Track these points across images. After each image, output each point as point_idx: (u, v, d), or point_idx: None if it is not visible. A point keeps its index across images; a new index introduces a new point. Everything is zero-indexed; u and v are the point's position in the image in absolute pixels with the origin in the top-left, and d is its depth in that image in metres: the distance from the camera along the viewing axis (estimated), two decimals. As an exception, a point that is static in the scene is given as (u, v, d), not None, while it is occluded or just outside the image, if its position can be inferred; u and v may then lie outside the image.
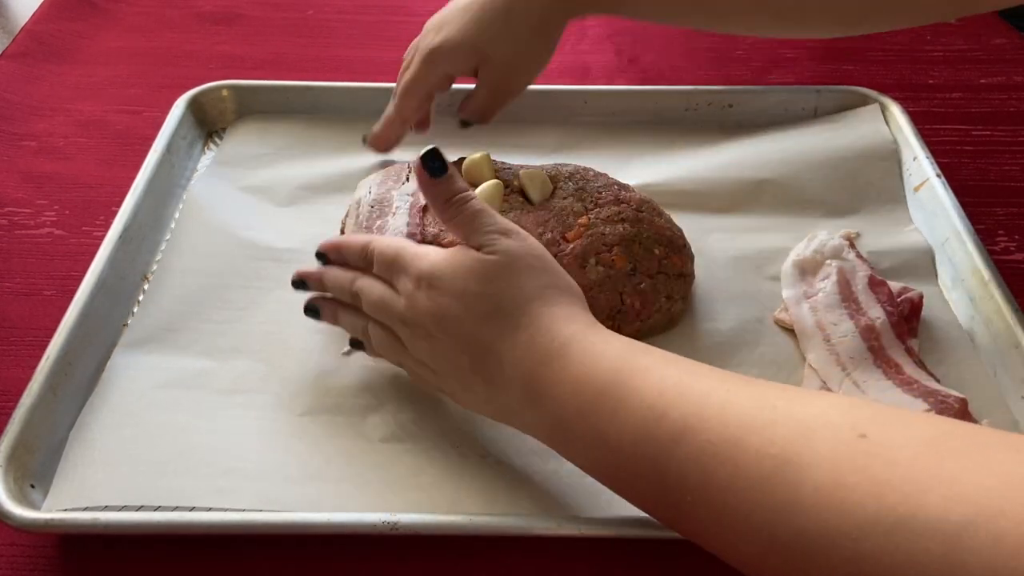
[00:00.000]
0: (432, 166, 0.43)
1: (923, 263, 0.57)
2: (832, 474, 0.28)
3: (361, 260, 0.45)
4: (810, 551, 0.27)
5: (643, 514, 0.42)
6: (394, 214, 0.51)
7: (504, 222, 0.42)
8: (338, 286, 0.46)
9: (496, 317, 0.39)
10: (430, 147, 0.43)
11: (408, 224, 0.50)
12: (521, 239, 0.41)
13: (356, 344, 0.47)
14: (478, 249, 0.41)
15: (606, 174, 0.56)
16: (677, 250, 0.52)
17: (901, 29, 0.80)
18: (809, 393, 0.33)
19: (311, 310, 0.47)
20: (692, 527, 0.33)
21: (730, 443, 0.31)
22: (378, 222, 0.51)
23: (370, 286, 0.44)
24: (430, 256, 0.41)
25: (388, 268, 0.43)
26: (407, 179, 0.54)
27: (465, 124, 0.60)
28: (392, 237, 0.47)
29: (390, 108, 0.60)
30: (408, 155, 0.63)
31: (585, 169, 0.55)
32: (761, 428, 0.30)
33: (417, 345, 0.42)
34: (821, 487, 0.28)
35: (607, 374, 0.36)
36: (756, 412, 0.31)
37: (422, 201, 0.51)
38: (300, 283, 0.48)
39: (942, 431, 0.28)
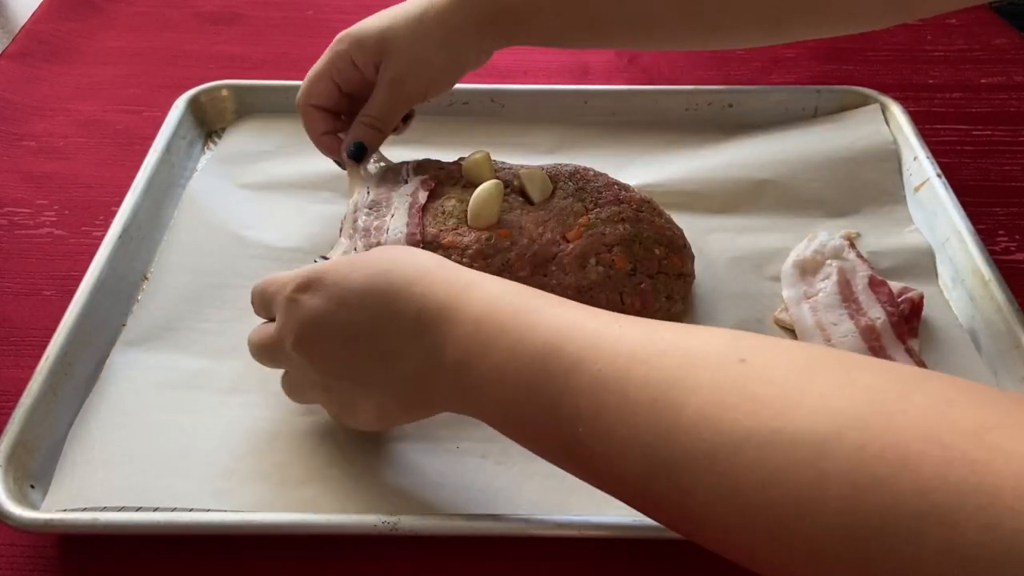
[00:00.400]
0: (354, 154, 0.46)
1: (923, 263, 0.57)
2: (712, 396, 0.29)
3: (262, 309, 0.44)
4: (692, 470, 0.28)
5: (642, 514, 0.42)
6: (392, 215, 0.51)
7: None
8: (251, 351, 0.45)
9: (391, 274, 0.39)
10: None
11: (407, 224, 0.50)
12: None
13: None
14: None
15: (606, 174, 0.56)
16: (677, 250, 0.52)
17: (885, 29, 0.80)
18: (699, 327, 0.33)
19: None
20: (584, 461, 0.33)
21: (620, 372, 0.31)
22: (376, 223, 0.51)
23: (251, 335, 0.44)
24: (300, 270, 0.41)
25: (262, 298, 0.43)
26: (406, 180, 0.54)
27: (356, 151, 0.55)
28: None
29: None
30: (408, 155, 0.63)
31: (585, 169, 0.55)
32: (649, 358, 0.31)
33: (301, 365, 0.41)
34: (701, 408, 0.29)
35: (503, 312, 0.35)
36: (646, 342, 0.32)
37: (421, 201, 0.51)
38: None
39: (816, 355, 0.29)
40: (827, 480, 0.25)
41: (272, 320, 0.43)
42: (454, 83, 0.55)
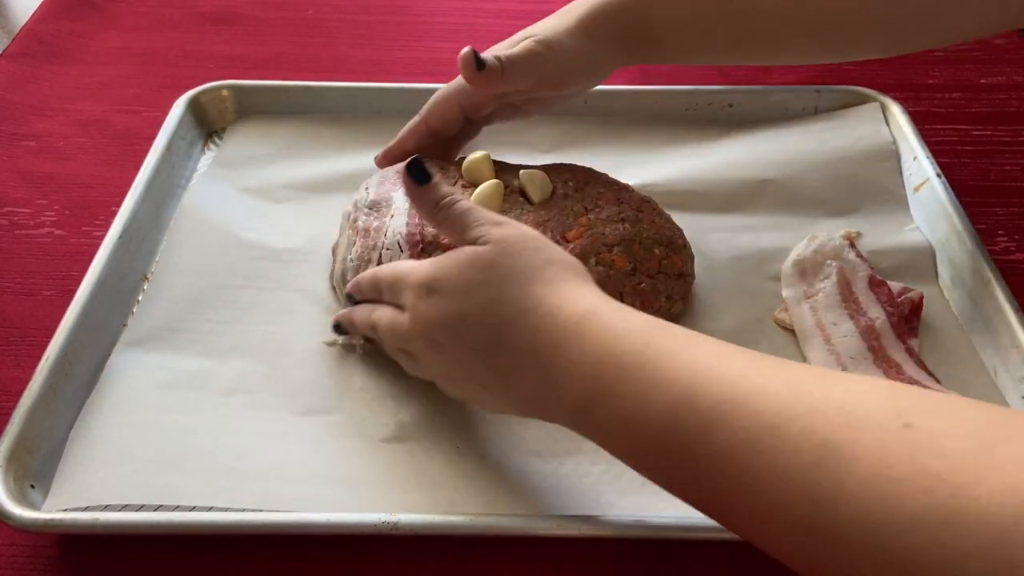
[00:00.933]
0: (417, 175, 0.43)
1: (924, 263, 0.57)
2: (877, 466, 0.26)
3: (374, 292, 0.46)
4: (854, 544, 0.26)
5: (642, 515, 0.42)
6: (392, 215, 0.51)
7: (493, 215, 0.42)
8: (362, 325, 0.46)
9: (500, 304, 0.38)
10: (413, 156, 0.44)
11: (407, 224, 0.50)
12: (513, 227, 0.41)
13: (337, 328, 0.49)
14: (472, 244, 0.41)
15: (606, 174, 0.56)
16: (677, 250, 0.52)
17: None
18: (845, 377, 0.31)
19: (339, 328, 0.49)
20: (726, 515, 0.32)
21: (767, 432, 0.29)
22: (376, 223, 0.51)
23: (380, 315, 0.44)
24: (424, 265, 0.42)
25: (391, 290, 0.44)
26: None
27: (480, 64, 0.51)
28: (393, 263, 0.47)
29: (416, 117, 0.58)
30: (408, 155, 0.63)
31: (585, 169, 0.55)
32: (798, 416, 0.29)
33: (431, 360, 0.42)
34: (866, 480, 0.26)
35: (629, 355, 0.34)
36: (793, 399, 0.30)
37: (422, 201, 0.51)
38: (339, 327, 0.49)
39: (990, 418, 0.27)
40: (1018, 569, 0.23)
41: (390, 304, 0.44)
42: (582, 78, 0.54)
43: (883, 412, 0.28)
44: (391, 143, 0.58)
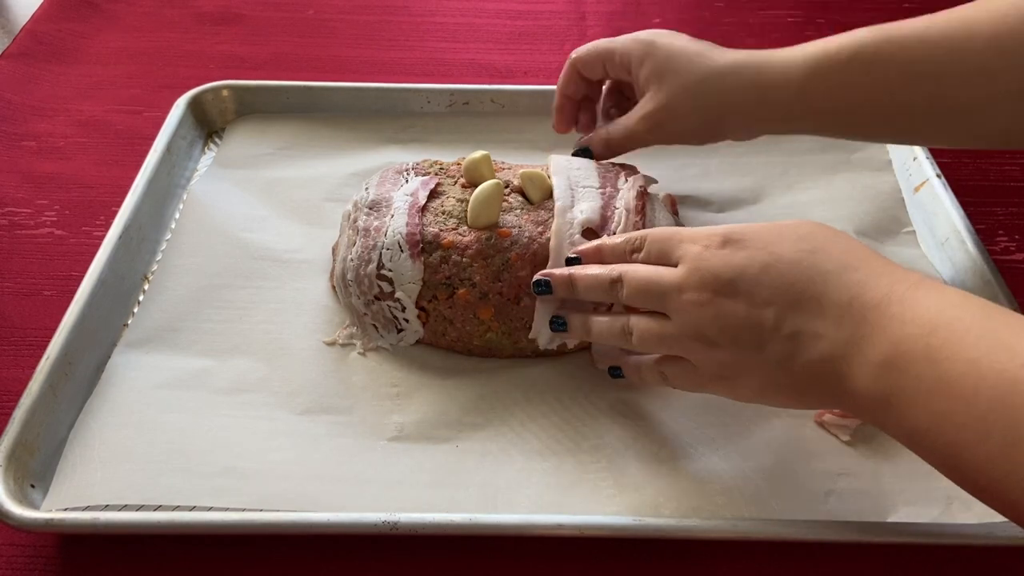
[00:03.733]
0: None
1: (922, 264, 0.57)
2: None
3: (627, 251, 0.44)
4: None
5: (642, 515, 0.42)
6: (392, 215, 0.51)
7: None
8: (594, 282, 0.44)
9: (821, 255, 0.37)
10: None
11: (407, 224, 0.50)
12: None
13: (615, 372, 0.47)
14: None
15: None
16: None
17: None
18: None
19: (557, 322, 0.47)
20: None
21: None
22: (376, 223, 0.51)
23: (635, 269, 0.42)
24: (712, 227, 0.41)
25: (665, 243, 0.42)
26: (406, 180, 0.54)
27: (583, 153, 0.56)
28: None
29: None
30: (409, 157, 0.63)
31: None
32: None
33: (695, 315, 0.39)
34: None
35: (966, 324, 0.32)
36: None
37: (421, 201, 0.51)
38: (543, 284, 0.46)
39: None
40: None
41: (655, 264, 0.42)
42: (701, 143, 0.54)
43: None
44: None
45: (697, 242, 0.40)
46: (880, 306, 0.35)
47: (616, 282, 0.43)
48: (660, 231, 0.43)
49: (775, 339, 0.37)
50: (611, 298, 0.44)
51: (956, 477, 0.33)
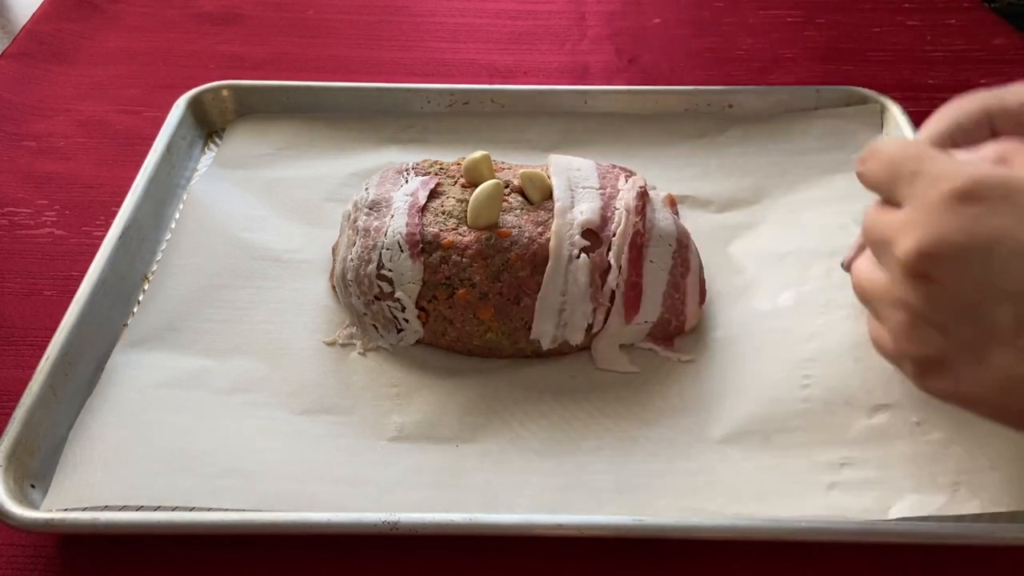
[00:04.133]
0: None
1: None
2: None
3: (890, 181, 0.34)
4: None
5: (642, 515, 0.42)
6: (392, 215, 0.51)
7: None
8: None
9: None
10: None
11: (407, 224, 0.50)
12: None
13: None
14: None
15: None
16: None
17: (884, 29, 0.79)
18: None
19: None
20: None
21: None
22: (376, 223, 0.51)
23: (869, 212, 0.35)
24: (973, 170, 0.30)
25: (891, 174, 0.33)
26: (406, 180, 0.54)
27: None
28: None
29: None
30: (408, 157, 0.63)
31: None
32: None
33: (902, 278, 0.31)
34: None
35: None
36: None
37: (421, 201, 0.51)
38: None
39: None
40: None
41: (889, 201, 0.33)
42: None
43: None
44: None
45: (932, 184, 0.30)
46: None
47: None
48: (888, 151, 0.34)
49: (1006, 350, 0.29)
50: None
51: None
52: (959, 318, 0.30)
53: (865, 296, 0.35)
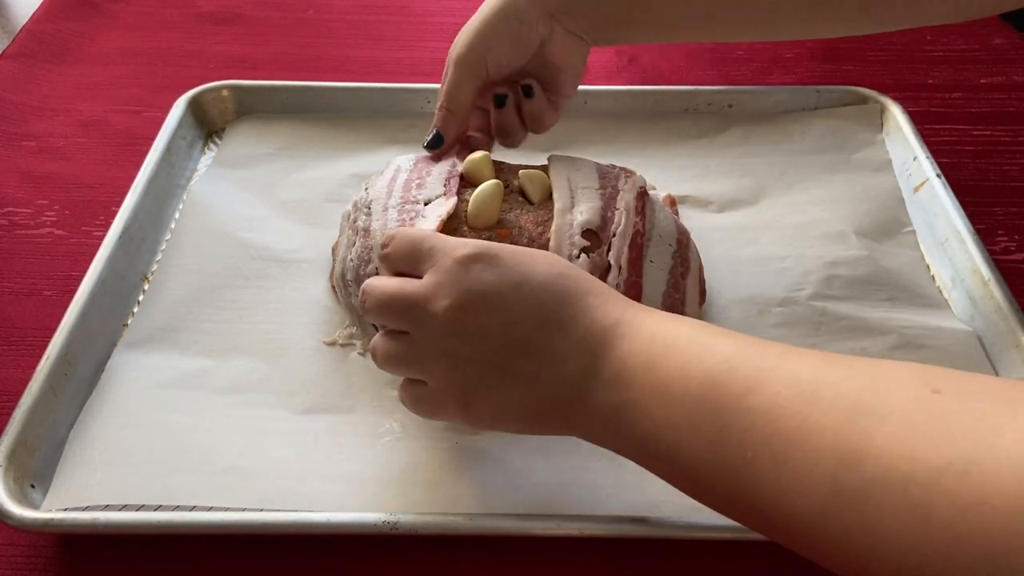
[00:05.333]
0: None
1: (919, 265, 0.57)
2: (905, 422, 0.27)
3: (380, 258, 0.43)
4: (880, 498, 0.27)
5: (642, 515, 0.42)
6: (386, 210, 0.51)
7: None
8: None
9: (567, 279, 0.38)
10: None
11: (399, 224, 0.50)
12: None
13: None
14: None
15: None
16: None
17: (903, 30, 0.80)
18: (881, 360, 0.32)
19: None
20: (749, 484, 0.31)
21: (802, 396, 0.30)
22: (375, 224, 0.51)
23: (377, 281, 0.42)
24: (464, 241, 0.40)
25: (414, 248, 0.41)
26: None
27: (433, 141, 0.54)
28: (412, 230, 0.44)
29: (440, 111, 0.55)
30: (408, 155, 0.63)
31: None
32: (834, 383, 0.30)
33: (441, 330, 0.38)
34: (893, 436, 0.27)
35: (681, 335, 0.35)
36: (828, 368, 0.31)
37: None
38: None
39: (1014, 387, 0.28)
40: None
41: (404, 275, 0.41)
42: (517, 60, 0.53)
43: (913, 380, 0.29)
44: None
45: (450, 253, 0.39)
46: (613, 327, 0.37)
47: (361, 295, 0.42)
48: (408, 235, 0.42)
49: (524, 357, 0.37)
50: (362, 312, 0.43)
51: (677, 480, 0.35)
52: (491, 344, 0.38)
53: (397, 365, 0.41)
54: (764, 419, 0.31)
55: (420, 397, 0.41)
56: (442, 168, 0.53)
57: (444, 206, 0.49)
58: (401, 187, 0.52)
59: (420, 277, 0.40)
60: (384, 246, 0.42)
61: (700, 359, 0.34)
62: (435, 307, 0.38)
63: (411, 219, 0.49)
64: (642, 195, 0.52)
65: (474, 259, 0.38)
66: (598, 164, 0.54)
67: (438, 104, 0.54)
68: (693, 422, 0.33)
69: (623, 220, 0.50)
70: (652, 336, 0.36)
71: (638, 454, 0.36)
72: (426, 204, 0.50)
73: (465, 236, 0.49)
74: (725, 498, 0.33)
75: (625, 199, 0.51)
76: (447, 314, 0.38)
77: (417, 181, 0.52)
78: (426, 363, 0.40)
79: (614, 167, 0.55)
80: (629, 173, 0.54)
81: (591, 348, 0.37)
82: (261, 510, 0.42)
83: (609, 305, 0.38)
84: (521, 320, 0.38)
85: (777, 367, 0.32)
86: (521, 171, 0.53)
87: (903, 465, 0.26)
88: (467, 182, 0.53)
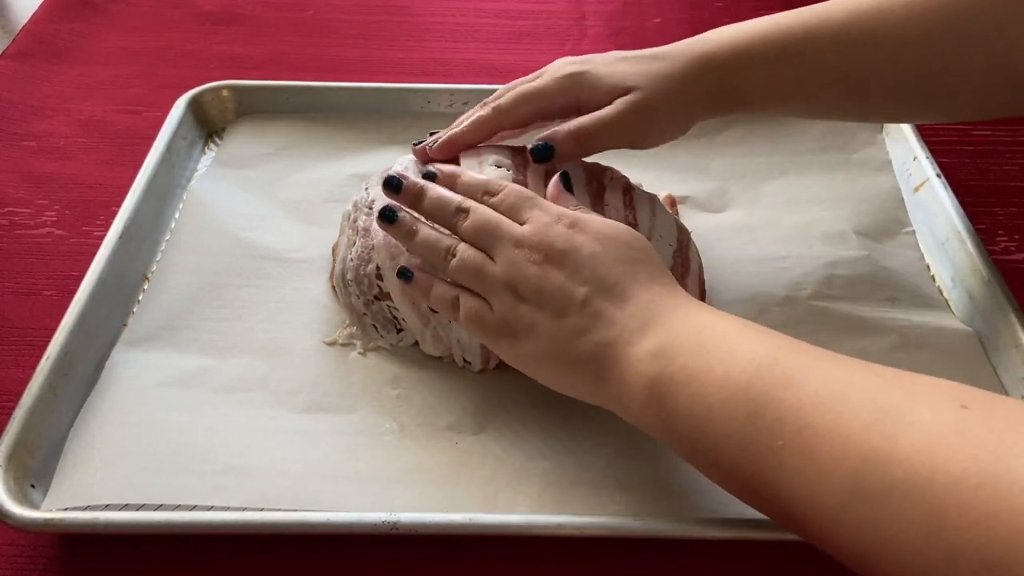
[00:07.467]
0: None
1: (919, 265, 0.57)
2: (931, 431, 0.29)
3: (480, 191, 0.46)
4: (897, 500, 0.28)
5: (642, 514, 0.42)
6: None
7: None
8: (440, 201, 0.46)
9: (635, 264, 0.42)
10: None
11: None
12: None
13: (405, 273, 0.47)
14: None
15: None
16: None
17: None
18: (915, 373, 0.34)
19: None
20: (773, 470, 0.33)
21: (835, 394, 0.32)
22: (375, 224, 0.51)
23: (484, 208, 0.45)
24: (574, 211, 0.44)
25: (521, 202, 0.44)
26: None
27: (542, 151, 0.50)
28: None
29: (484, 111, 0.52)
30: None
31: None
32: (868, 388, 0.32)
33: (520, 268, 0.42)
34: (917, 443, 0.29)
35: (731, 326, 0.38)
36: (865, 373, 0.33)
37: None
38: (395, 185, 0.47)
39: None
40: None
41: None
42: (669, 137, 0.53)
43: (944, 395, 0.31)
44: (450, 134, 0.52)
45: (549, 213, 0.43)
46: (669, 311, 0.40)
47: (461, 211, 0.45)
48: (521, 190, 0.45)
49: (577, 313, 0.40)
50: (449, 224, 0.45)
51: (698, 457, 0.37)
52: (553, 294, 0.41)
53: (473, 277, 0.44)
54: (797, 412, 0.32)
55: (473, 311, 0.44)
56: None
57: None
58: None
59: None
60: (492, 193, 0.45)
61: (744, 350, 0.36)
62: (522, 247, 0.42)
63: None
64: (627, 190, 0.52)
65: (568, 223, 0.43)
66: (583, 162, 0.54)
67: (578, 129, 0.50)
68: (728, 405, 0.34)
69: (612, 216, 0.50)
70: (702, 325, 0.38)
71: (662, 427, 0.38)
72: None
73: (465, 236, 0.49)
74: (746, 481, 0.34)
75: (612, 195, 0.51)
76: (529, 257, 0.42)
77: None
78: (494, 288, 0.43)
79: (598, 164, 0.55)
80: (613, 172, 0.54)
81: (641, 320, 0.39)
82: (261, 510, 0.41)
83: (671, 295, 0.41)
84: (586, 282, 0.41)
85: (816, 367, 0.34)
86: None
87: (924, 472, 0.28)
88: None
